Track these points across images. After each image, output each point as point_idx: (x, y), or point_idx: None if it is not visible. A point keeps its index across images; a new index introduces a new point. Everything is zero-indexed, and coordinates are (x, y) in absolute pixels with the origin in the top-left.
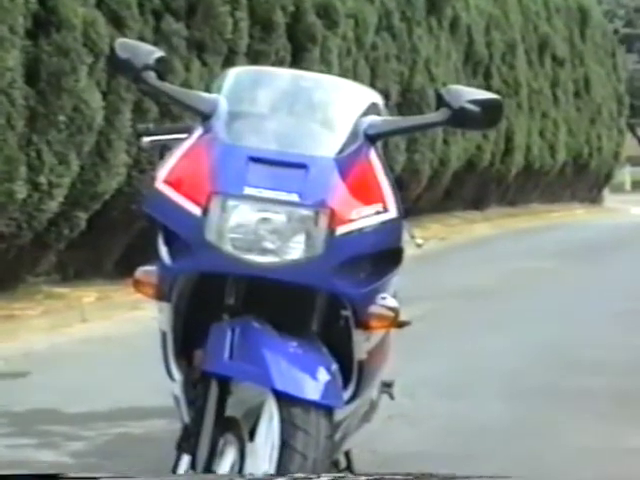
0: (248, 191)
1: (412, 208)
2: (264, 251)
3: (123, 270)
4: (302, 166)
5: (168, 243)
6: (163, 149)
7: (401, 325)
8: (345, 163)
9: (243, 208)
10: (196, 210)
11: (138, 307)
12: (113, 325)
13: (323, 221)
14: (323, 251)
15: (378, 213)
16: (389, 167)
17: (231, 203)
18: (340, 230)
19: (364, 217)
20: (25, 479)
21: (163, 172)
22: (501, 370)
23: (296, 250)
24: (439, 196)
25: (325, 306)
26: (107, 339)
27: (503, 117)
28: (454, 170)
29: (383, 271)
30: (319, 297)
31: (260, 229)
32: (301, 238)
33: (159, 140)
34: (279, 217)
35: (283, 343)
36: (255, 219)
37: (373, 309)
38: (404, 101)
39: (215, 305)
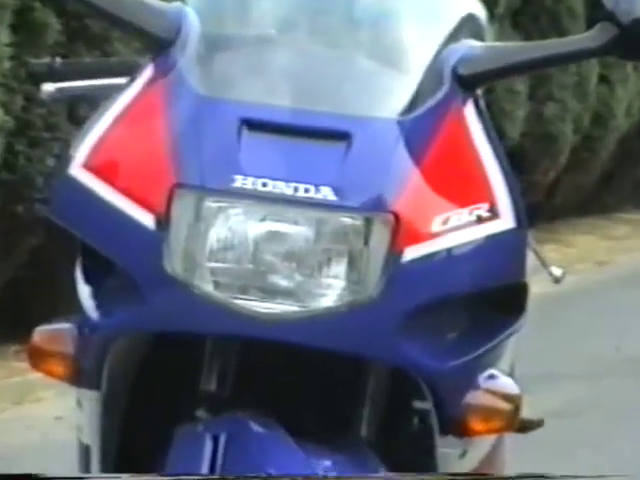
0: (242, 183)
1: (542, 207)
2: (272, 293)
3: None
4: (340, 136)
5: (94, 278)
6: (79, 103)
7: (526, 427)
8: (420, 130)
9: (233, 214)
10: (146, 219)
11: (30, 398)
12: None
13: (381, 237)
14: (381, 292)
15: (481, 220)
16: (499, 132)
17: (211, 205)
18: (412, 252)
19: (455, 228)
20: None
21: (83, 149)
22: None
23: (331, 290)
24: (592, 183)
25: (384, 392)
26: None
27: None
28: (621, 135)
29: (491, 328)
30: (373, 376)
31: (265, 252)
32: (340, 269)
33: (72, 89)
34: (299, 230)
35: (305, 461)
36: (255, 234)
37: (472, 398)
38: (523, 9)
39: (183, 393)
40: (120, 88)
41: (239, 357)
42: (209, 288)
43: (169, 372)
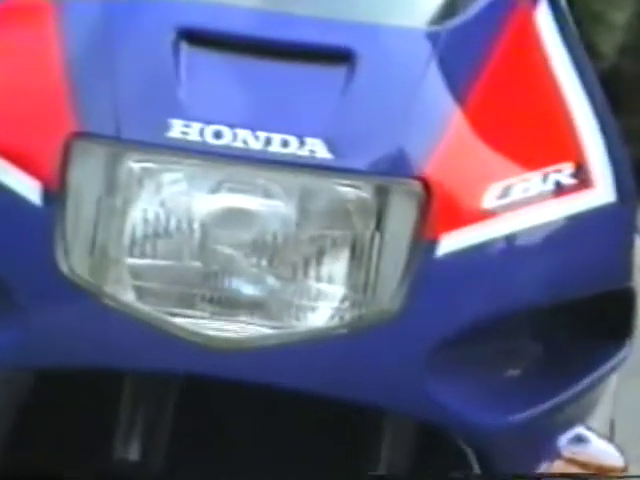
0: (181, 132)
1: None
2: (230, 306)
3: None
4: (337, 56)
5: None
6: None
7: (606, 473)
8: (463, 47)
9: (169, 182)
10: (28, 189)
11: None
12: None
13: (402, 217)
14: (401, 304)
15: (562, 190)
16: (589, 48)
17: (133, 167)
18: (451, 242)
19: (521, 204)
20: None
21: None
22: None
23: (322, 302)
24: None
25: (405, 458)
26: None
27: None
28: None
29: (576, 361)
30: (388, 432)
31: (219, 242)
32: (337, 268)
33: None
34: (273, 207)
35: None
36: (204, 213)
37: (549, 470)
38: None
39: (80, 457)
40: None
41: (176, 407)
42: (129, 298)
43: (61, 421)
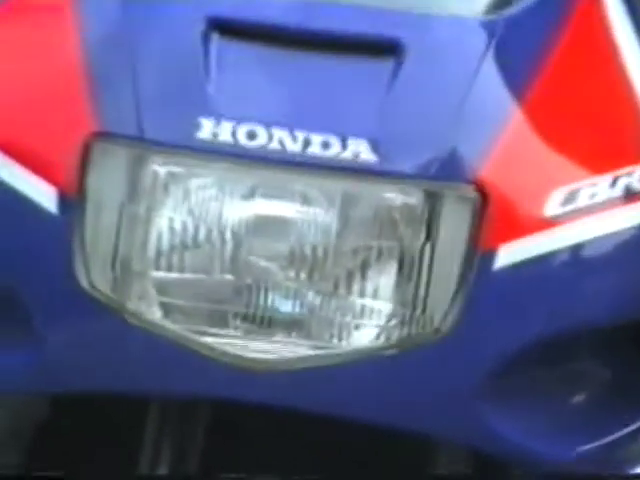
0: (212, 132)
1: None
2: (267, 324)
3: None
4: (383, 49)
5: None
6: None
7: None
8: (523, 37)
9: (198, 187)
10: (43, 195)
11: None
12: None
13: (455, 225)
14: (455, 322)
15: (633, 195)
16: None
17: (159, 171)
18: (510, 253)
19: (587, 211)
20: None
21: None
22: None
23: (368, 319)
24: None
25: (465, 456)
26: None
27: None
28: None
29: None
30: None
31: (253, 252)
32: (384, 282)
33: None
34: (312, 214)
35: None
36: (236, 221)
37: None
38: None
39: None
40: None
41: (206, 431)
42: (155, 316)
43: (83, 442)
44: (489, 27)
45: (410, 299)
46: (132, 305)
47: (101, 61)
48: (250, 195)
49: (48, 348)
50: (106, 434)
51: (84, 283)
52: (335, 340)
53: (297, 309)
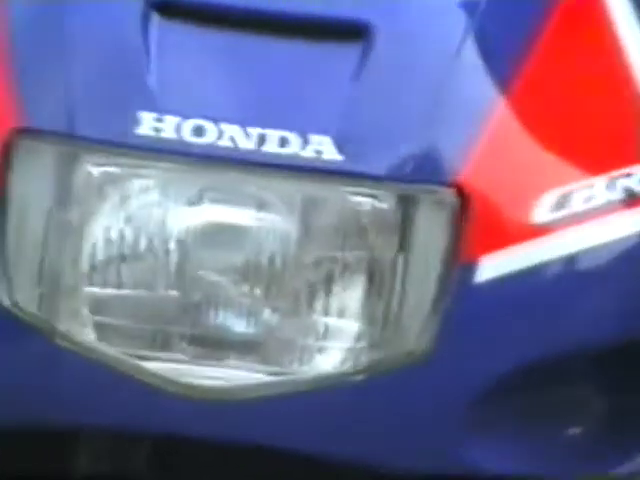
0: (153, 127)
1: None
2: (217, 346)
3: None
4: (350, 32)
5: None
6: None
7: None
8: (506, 18)
9: (137, 190)
10: None
11: None
12: None
13: (432, 234)
14: (430, 343)
15: (632, 200)
16: None
17: (92, 172)
18: (494, 265)
19: (583, 217)
20: None
21: None
22: None
23: (332, 342)
24: None
25: None
26: None
27: None
28: None
29: None
30: None
31: (202, 265)
32: (351, 298)
33: None
34: (269, 222)
35: None
36: (182, 230)
37: None
38: None
39: None
40: None
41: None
42: (88, 337)
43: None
44: (469, 7)
45: (380, 317)
46: (62, 326)
47: (27, 45)
48: (198, 199)
49: None
50: (31, 470)
51: (5, 301)
52: (295, 365)
53: (252, 329)
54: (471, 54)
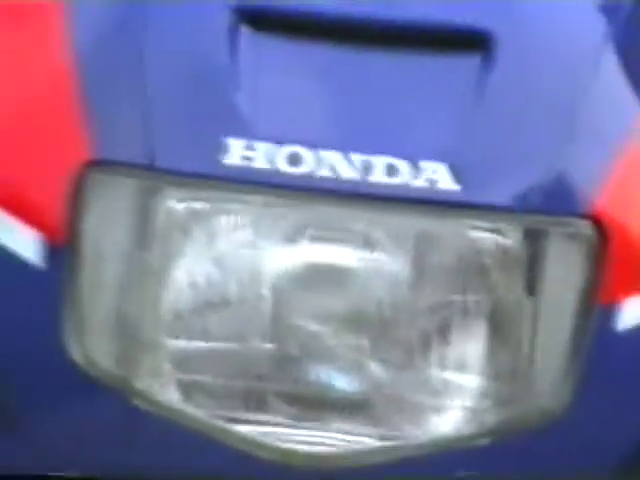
0: (243, 157)
1: None
2: (318, 407)
3: None
4: (470, 40)
5: None
6: None
7: None
8: None
9: (227, 228)
10: (26, 242)
11: None
12: None
13: (564, 272)
14: (568, 402)
15: None
16: None
17: (176, 208)
18: (637, 308)
19: None
20: None
21: None
22: None
23: (450, 399)
24: None
25: None
26: None
27: None
28: None
29: None
30: None
31: (300, 313)
32: (472, 348)
33: None
34: (378, 262)
35: None
36: (278, 272)
37: None
38: None
39: None
40: None
41: None
42: (171, 397)
43: None
44: (609, 13)
45: (507, 371)
46: (141, 384)
47: (97, 70)
48: (295, 237)
49: (30, 437)
50: None
51: (77, 356)
52: (408, 426)
53: (357, 386)
54: (610, 67)
